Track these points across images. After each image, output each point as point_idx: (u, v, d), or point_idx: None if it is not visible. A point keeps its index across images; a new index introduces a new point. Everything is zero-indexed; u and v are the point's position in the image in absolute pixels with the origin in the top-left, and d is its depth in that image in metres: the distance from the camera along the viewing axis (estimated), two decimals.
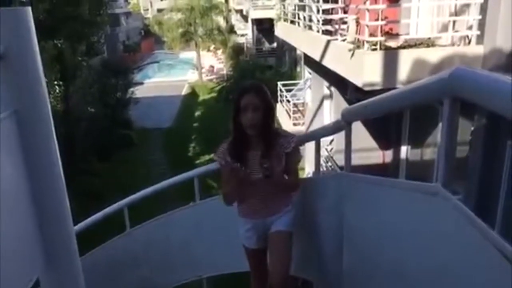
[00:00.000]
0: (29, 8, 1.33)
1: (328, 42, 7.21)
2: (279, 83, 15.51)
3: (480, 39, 5.51)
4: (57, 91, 16.50)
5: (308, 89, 13.91)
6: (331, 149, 10.06)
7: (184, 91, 34.13)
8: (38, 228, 1.34)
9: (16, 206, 1.25)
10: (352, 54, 5.77)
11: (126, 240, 3.68)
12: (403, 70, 5.50)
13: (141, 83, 30.45)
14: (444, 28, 6.17)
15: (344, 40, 6.65)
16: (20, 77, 1.30)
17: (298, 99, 14.73)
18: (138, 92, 25.49)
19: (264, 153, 2.22)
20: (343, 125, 2.27)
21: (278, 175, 2.27)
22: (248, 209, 2.41)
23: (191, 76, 37.43)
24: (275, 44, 28.20)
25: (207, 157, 17.80)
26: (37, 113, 1.33)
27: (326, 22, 7.87)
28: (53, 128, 1.38)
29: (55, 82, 16.21)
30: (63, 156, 1.41)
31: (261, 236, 2.45)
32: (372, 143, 8.01)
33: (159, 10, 46.99)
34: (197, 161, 18.22)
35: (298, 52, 17.61)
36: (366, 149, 7.57)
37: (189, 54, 38.90)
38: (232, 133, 2.27)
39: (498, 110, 1.00)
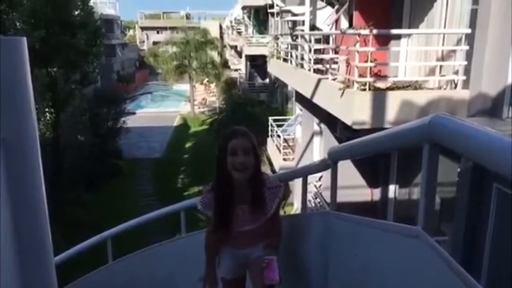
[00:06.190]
0: (24, 38, 1.36)
1: (319, 80, 7.37)
2: (270, 118, 15.68)
3: (466, 84, 5.68)
4: (48, 118, 16.45)
5: (298, 125, 14.06)
6: (320, 185, 10.08)
7: (176, 122, 34.27)
8: (17, 258, 1.32)
9: None
10: (342, 93, 5.89)
11: (108, 273, 3.59)
12: (391, 111, 5.61)
13: (134, 113, 30.57)
14: (431, 72, 6.36)
15: (334, 80, 6.81)
16: (11, 105, 1.30)
17: (288, 135, 14.85)
18: (130, 121, 25.52)
19: (252, 208, 2.11)
20: (329, 164, 2.29)
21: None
22: (225, 240, 2.32)
23: (184, 108, 37.70)
24: (267, 80, 28.68)
25: (196, 189, 17.69)
26: (25, 142, 1.33)
27: (318, 61, 8.07)
28: (39, 158, 1.38)
29: (46, 110, 16.19)
30: (50, 185, 1.40)
31: (238, 265, 2.36)
32: (361, 181, 8.05)
33: (155, 43, 47.84)
34: (186, 193, 18.08)
35: (289, 88, 17.91)
36: (355, 186, 7.60)
37: (183, 86, 39.34)
38: (216, 182, 2.13)
39: (475, 158, 1.03)
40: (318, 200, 9.71)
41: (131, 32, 61.72)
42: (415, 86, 5.96)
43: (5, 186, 1.29)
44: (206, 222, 2.31)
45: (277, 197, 2.14)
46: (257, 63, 28.41)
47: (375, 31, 5.67)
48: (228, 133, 2.10)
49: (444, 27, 6.35)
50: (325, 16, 10.29)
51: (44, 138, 15.57)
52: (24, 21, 15.46)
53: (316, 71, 7.97)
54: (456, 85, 5.87)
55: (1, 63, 1.26)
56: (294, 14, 13.17)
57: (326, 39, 9.39)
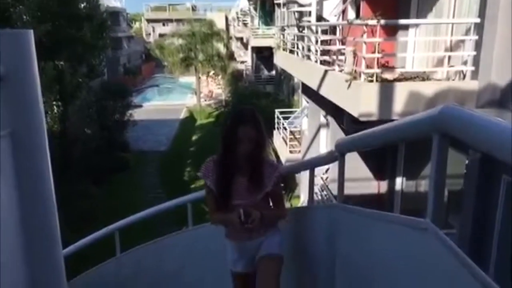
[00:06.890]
0: (31, 31, 1.36)
1: (326, 72, 7.32)
2: (277, 111, 15.63)
3: (474, 75, 5.61)
4: (55, 111, 16.54)
5: (305, 117, 14.01)
6: (327, 178, 10.06)
7: (182, 115, 34.30)
8: (26, 251, 1.33)
9: (3, 227, 1.24)
10: (349, 85, 5.86)
11: (116, 265, 3.62)
12: (399, 102, 5.57)
13: (140, 106, 30.64)
14: (440, 63, 6.29)
15: (341, 71, 6.76)
16: (19, 98, 1.31)
17: (295, 127, 14.81)
18: (137, 114, 25.59)
19: (251, 181, 2.19)
20: (336, 156, 2.28)
21: (258, 218, 2.15)
22: (232, 231, 2.36)
23: (190, 101, 37.69)
24: (273, 72, 28.55)
25: (202, 181, 17.68)
26: (33, 135, 1.34)
27: (324, 52, 8.01)
28: (47, 151, 1.39)
29: (54, 103, 16.28)
30: (57, 178, 1.41)
31: (248, 260, 2.37)
32: (368, 173, 8.02)
33: (161, 35, 47.77)
34: (193, 186, 18.13)
35: (295, 80, 17.83)
36: (362, 178, 7.58)
37: (189, 79, 39.29)
38: (220, 153, 2.23)
39: (485, 149, 1.02)
40: (325, 192, 9.69)
41: (137, 24, 61.63)
42: (423, 77, 5.90)
43: (13, 179, 1.30)
44: (206, 201, 2.34)
45: (275, 174, 2.20)
46: (264, 55, 28.24)
47: (382, 22, 5.62)
48: (239, 116, 2.18)
49: (453, 16, 6.27)
50: (332, 7, 10.20)
51: (52, 131, 15.68)
52: (30, 14, 15.50)
53: (323, 62, 7.92)
54: (464, 76, 5.81)
55: (9, 56, 1.26)
56: (300, 5, 13.08)
57: (332, 30, 9.31)
